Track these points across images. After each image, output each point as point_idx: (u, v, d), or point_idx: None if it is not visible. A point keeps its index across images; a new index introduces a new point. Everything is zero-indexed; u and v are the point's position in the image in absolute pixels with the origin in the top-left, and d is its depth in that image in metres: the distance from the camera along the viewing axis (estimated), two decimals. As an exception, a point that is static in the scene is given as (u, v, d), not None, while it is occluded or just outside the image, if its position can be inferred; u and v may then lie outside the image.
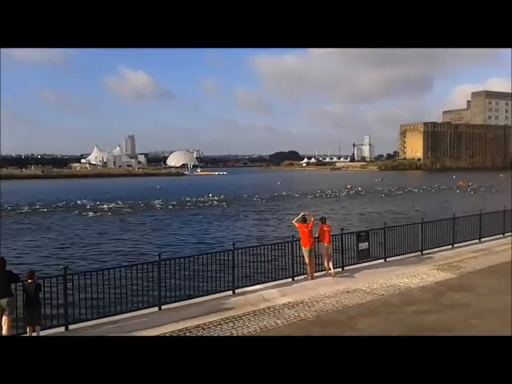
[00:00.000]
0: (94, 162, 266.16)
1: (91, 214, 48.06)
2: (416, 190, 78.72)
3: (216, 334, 9.70)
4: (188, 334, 9.69)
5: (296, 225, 14.42)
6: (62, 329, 10.00)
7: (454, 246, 18.86)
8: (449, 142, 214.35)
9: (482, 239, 20.05)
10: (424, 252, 17.63)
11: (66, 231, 36.62)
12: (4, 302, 8.90)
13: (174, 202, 59.04)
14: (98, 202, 58.85)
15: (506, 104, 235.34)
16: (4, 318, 8.87)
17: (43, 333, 9.49)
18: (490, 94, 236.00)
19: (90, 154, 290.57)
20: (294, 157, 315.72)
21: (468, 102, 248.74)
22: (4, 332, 8.86)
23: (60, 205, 57.68)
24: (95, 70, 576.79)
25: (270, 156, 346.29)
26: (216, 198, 65.16)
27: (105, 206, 54.97)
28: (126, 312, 10.89)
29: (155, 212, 50.56)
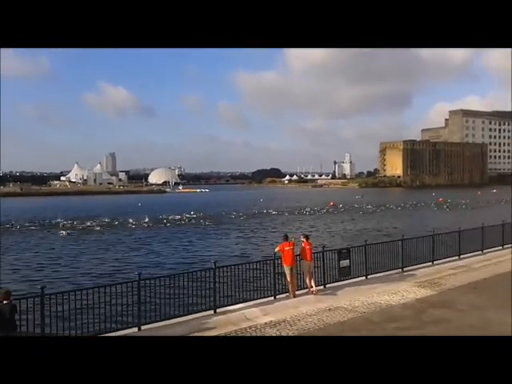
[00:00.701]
0: (74, 180, 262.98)
1: (63, 232, 46.69)
2: (394, 207, 79.32)
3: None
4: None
5: (278, 249, 14.35)
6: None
7: (434, 262, 19.06)
8: (428, 159, 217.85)
9: (462, 256, 20.30)
10: (405, 269, 17.76)
11: (39, 250, 35.68)
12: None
13: (147, 220, 58.50)
14: (74, 222, 57.70)
15: (483, 122, 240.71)
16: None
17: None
18: (466, 113, 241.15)
19: (69, 172, 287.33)
20: (275, 174, 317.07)
21: (446, 120, 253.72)
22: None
23: (35, 223, 56.31)
24: (74, 84, 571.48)
25: (252, 173, 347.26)
26: (195, 216, 64.67)
27: (87, 224, 54.16)
28: (105, 332, 10.68)
29: (133, 230, 49.89)
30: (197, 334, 10.79)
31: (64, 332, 10.23)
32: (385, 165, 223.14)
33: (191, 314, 12.14)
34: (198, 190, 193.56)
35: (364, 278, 16.39)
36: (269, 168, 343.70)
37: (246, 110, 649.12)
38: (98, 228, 50.85)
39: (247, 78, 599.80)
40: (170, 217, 63.01)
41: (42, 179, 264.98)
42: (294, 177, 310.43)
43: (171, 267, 26.45)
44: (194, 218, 62.47)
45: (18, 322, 9.41)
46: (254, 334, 10.89)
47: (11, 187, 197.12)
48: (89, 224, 54.42)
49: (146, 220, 57.06)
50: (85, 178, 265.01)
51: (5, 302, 9.19)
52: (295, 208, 78.44)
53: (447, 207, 77.00)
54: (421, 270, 17.88)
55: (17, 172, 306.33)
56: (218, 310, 12.50)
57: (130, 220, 57.69)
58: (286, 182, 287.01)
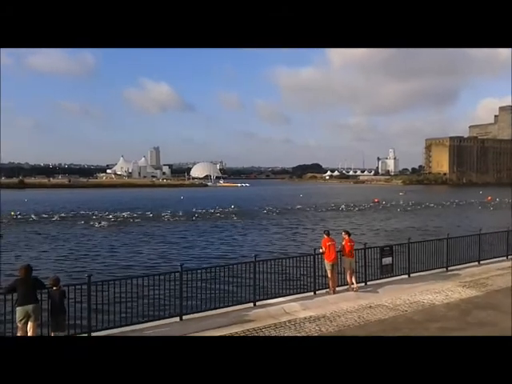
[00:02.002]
0: (119, 173, 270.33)
1: (97, 224, 47.76)
2: (435, 205, 77.11)
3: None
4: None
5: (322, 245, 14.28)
6: (85, 336, 10.12)
7: (481, 262, 18.47)
8: (475, 156, 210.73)
9: (510, 256, 19.57)
10: (449, 268, 17.30)
11: (74, 240, 36.67)
12: (30, 308, 9.07)
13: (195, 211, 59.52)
14: (121, 213, 59.34)
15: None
16: (29, 324, 9.04)
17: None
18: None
19: (115, 165, 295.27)
20: (316, 169, 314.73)
21: (495, 116, 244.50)
22: (29, 338, 9.03)
23: (71, 214, 58.47)
24: (115, 80, 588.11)
25: (292, 168, 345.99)
26: (236, 209, 65.35)
27: (123, 215, 55.63)
28: (147, 321, 10.97)
29: (178, 223, 50.82)
30: (237, 326, 10.92)
31: (109, 318, 10.59)
32: (430, 161, 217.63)
33: (231, 306, 12.27)
34: (239, 185, 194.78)
35: (407, 276, 16.09)
36: (310, 163, 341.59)
37: (285, 106, 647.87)
38: (138, 220, 52.13)
39: (285, 73, 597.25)
40: (220, 209, 64.01)
41: (89, 172, 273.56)
42: (336, 172, 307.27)
43: (213, 260, 26.84)
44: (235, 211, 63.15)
45: (66, 307, 9.82)
46: (293, 329, 10.92)
47: (60, 179, 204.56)
48: (126, 215, 56.08)
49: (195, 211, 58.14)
50: (130, 171, 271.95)
51: (54, 288, 9.60)
52: (336, 204, 77.74)
53: (491, 206, 74.21)
54: (466, 270, 17.36)
55: (65, 164, 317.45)
56: (257, 303, 12.58)
57: (180, 213, 59.32)
58: (327, 177, 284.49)
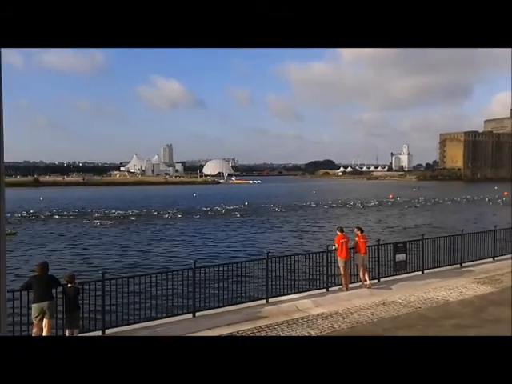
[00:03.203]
0: (132, 170, 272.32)
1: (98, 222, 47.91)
2: (444, 201, 76.37)
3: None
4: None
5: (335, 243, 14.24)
6: (99, 333, 10.24)
7: (495, 258, 18.27)
8: (490, 151, 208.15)
9: (526, 253, 19.33)
10: (463, 265, 17.15)
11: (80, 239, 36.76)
12: (45, 305, 9.20)
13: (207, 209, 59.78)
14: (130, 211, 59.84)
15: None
16: (45, 321, 9.17)
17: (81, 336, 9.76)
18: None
19: (129, 162, 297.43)
20: (329, 166, 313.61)
21: (511, 110, 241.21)
22: (44, 334, 9.16)
23: (75, 212, 59.12)
24: (126, 78, 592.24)
25: (305, 165, 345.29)
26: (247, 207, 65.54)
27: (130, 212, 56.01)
28: (160, 318, 11.06)
29: (191, 219, 51.07)
30: (249, 323, 10.95)
31: (123, 315, 10.69)
32: (444, 157, 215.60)
33: (244, 303, 12.30)
34: (251, 182, 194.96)
35: (420, 272, 15.97)
36: (322, 160, 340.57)
37: (296, 102, 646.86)
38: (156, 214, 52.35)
39: (296, 69, 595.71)
40: (233, 206, 64.30)
41: (103, 169, 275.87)
42: (349, 168, 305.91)
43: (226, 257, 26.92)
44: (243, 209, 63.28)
45: (80, 305, 9.94)
46: (305, 325, 10.92)
47: (74, 177, 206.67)
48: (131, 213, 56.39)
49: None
50: (143, 168, 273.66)
51: (69, 285, 9.73)
52: (347, 201, 77.46)
53: (501, 202, 73.25)
54: (481, 266, 17.19)
55: (80, 163, 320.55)
56: (269, 300, 12.60)
57: (204, 208, 59.69)
58: (340, 173, 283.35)
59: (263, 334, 10.36)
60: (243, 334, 10.27)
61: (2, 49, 2.96)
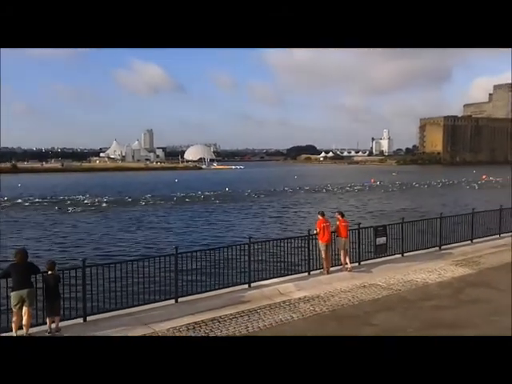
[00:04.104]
0: (112, 156, 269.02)
1: (70, 209, 46.97)
2: (420, 185, 77.35)
3: (231, 327, 9.77)
4: (203, 327, 9.79)
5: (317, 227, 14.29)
6: (81, 320, 10.16)
7: (474, 241, 18.62)
8: (469, 135, 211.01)
9: (503, 235, 19.74)
10: (442, 247, 17.44)
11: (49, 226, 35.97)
12: (25, 292, 9.07)
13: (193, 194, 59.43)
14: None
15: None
16: (24, 309, 9.05)
17: (62, 324, 9.67)
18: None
19: (108, 148, 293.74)
20: (311, 151, 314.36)
21: (490, 94, 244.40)
22: (24, 322, 9.04)
23: (47, 199, 57.66)
24: (105, 62, 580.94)
25: (287, 150, 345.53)
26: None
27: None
28: (143, 304, 11.02)
29: (178, 205, 50.75)
30: (232, 308, 10.99)
31: (104, 302, 10.62)
32: (424, 141, 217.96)
33: (226, 287, 12.33)
34: (233, 167, 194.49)
35: (400, 255, 16.20)
36: (304, 145, 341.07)
37: (279, 87, 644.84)
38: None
39: (277, 54, 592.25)
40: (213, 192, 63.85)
41: (82, 156, 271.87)
42: (330, 154, 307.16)
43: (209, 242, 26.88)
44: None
45: (61, 292, 9.83)
46: (287, 309, 11.00)
47: (53, 163, 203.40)
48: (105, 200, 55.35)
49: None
50: (123, 154, 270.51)
51: (50, 272, 9.60)
52: (320, 185, 77.92)
53: (477, 186, 74.49)
54: (459, 249, 17.50)
55: (58, 149, 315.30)
56: (252, 285, 12.65)
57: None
58: (322, 158, 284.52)
59: (245, 318, 10.40)
60: (226, 319, 10.30)
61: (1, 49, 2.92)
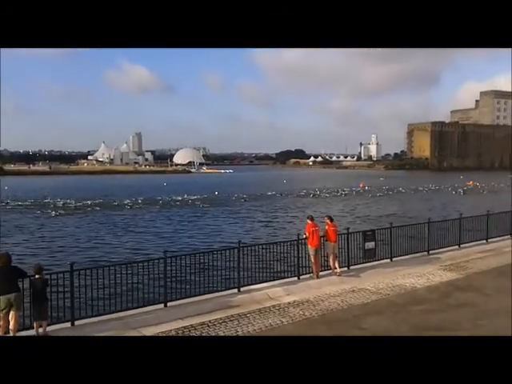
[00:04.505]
0: (101, 159, 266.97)
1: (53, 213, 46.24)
2: (407, 190, 77.89)
3: (221, 332, 9.74)
4: (192, 331, 9.74)
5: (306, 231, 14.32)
6: (69, 324, 10.05)
7: (461, 246, 18.78)
8: (456, 141, 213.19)
9: (489, 240, 19.94)
10: (430, 252, 17.57)
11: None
12: (12, 297, 8.96)
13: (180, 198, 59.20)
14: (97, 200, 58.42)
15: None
16: (11, 313, 8.93)
17: (49, 328, 9.56)
18: (498, 94, 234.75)
19: (97, 151, 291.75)
20: (300, 155, 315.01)
21: (476, 101, 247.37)
22: (11, 327, 8.93)
23: (32, 202, 56.71)
24: (93, 62, 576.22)
25: (276, 154, 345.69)
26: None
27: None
28: (132, 308, 10.94)
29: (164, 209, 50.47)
30: (221, 312, 10.96)
31: (93, 306, 10.52)
32: (412, 147, 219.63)
33: (216, 292, 12.29)
34: (223, 171, 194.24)
35: (389, 260, 16.29)
36: (293, 149, 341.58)
37: (268, 89, 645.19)
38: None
39: (266, 55, 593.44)
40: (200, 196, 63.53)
41: (70, 158, 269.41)
42: (319, 158, 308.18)
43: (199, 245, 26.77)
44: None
45: (48, 296, 9.72)
46: (277, 313, 11.00)
47: (40, 166, 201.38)
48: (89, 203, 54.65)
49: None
50: (111, 157, 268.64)
51: (37, 276, 9.49)
52: (315, 189, 78.12)
53: (463, 192, 75.22)
54: (447, 254, 17.65)
55: (46, 151, 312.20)
56: (241, 289, 12.62)
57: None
58: (311, 163, 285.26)
59: (235, 322, 10.38)
60: (215, 324, 10.27)
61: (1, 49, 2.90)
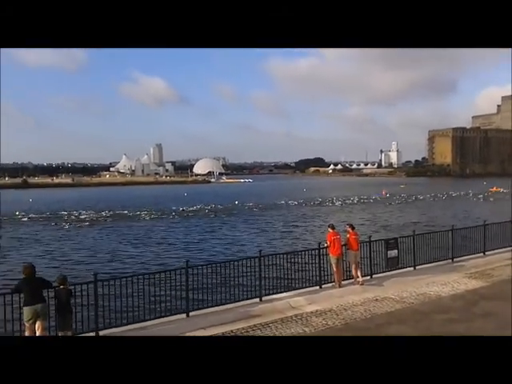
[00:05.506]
0: (122, 171, 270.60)
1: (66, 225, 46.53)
2: (426, 197, 76.78)
3: (243, 342, 9.72)
4: (216, 341, 9.75)
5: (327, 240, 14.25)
6: (93, 334, 10.15)
7: (486, 253, 18.42)
8: (479, 147, 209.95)
9: (515, 247, 19.50)
10: (455, 260, 17.27)
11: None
12: (38, 307, 9.09)
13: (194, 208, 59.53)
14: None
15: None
16: (38, 324, 9.06)
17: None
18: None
19: (118, 163, 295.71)
20: (319, 163, 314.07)
21: (498, 106, 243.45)
22: (37, 337, 9.06)
23: (44, 215, 57.26)
24: (109, 74, 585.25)
25: (295, 163, 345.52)
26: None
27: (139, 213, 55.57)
28: (154, 318, 11.00)
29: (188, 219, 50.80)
30: (243, 322, 10.94)
31: (116, 316, 10.62)
32: (433, 153, 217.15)
33: (237, 301, 12.28)
34: (242, 180, 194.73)
35: (412, 268, 16.07)
36: (312, 157, 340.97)
37: (283, 99, 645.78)
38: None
39: (279, 65, 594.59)
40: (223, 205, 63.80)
41: (92, 170, 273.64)
42: (339, 166, 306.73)
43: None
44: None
45: (73, 306, 9.84)
46: (299, 323, 10.93)
47: (63, 178, 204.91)
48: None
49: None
50: (133, 168, 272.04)
51: (61, 286, 9.63)
52: (334, 198, 77.64)
53: (483, 198, 73.82)
54: (472, 261, 17.32)
55: (68, 163, 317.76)
56: (263, 299, 12.59)
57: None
58: (330, 171, 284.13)
59: (258, 332, 10.34)
60: (238, 333, 10.25)
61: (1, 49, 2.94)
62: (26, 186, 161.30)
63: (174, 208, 62.93)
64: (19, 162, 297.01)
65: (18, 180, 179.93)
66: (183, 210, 61.28)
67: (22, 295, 9.25)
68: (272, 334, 10.18)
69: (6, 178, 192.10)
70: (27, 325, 9.08)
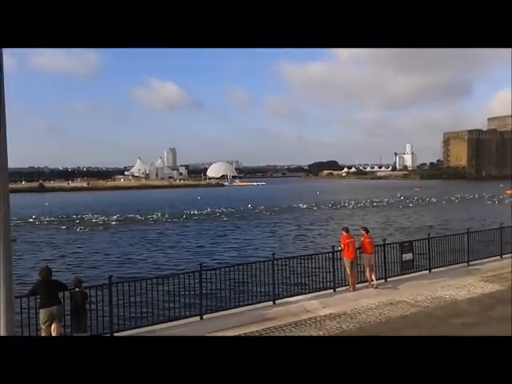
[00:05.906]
0: (137, 174, 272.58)
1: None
2: (437, 200, 76.10)
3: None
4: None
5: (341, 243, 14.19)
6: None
7: (503, 256, 18.17)
8: (494, 149, 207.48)
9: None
10: (471, 263, 17.07)
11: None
12: (54, 309, 9.20)
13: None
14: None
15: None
16: (53, 326, 9.17)
17: (89, 340, 9.76)
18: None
19: (133, 167, 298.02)
20: (333, 166, 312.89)
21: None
22: (53, 339, 9.16)
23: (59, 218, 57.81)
24: (122, 81, 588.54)
25: (309, 166, 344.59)
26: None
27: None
28: (168, 321, 11.05)
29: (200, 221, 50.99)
30: (257, 325, 10.93)
31: (130, 319, 10.69)
32: (448, 155, 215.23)
33: (251, 304, 12.28)
34: (255, 184, 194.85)
35: (427, 271, 15.91)
36: (325, 160, 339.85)
37: (296, 102, 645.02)
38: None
39: (292, 69, 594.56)
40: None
41: (107, 174, 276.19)
42: (353, 169, 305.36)
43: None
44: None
45: (88, 309, 9.94)
46: (313, 326, 10.88)
47: (79, 182, 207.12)
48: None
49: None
50: (147, 172, 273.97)
51: (77, 289, 9.73)
52: (347, 201, 77.32)
53: (498, 201, 72.81)
54: (488, 265, 17.10)
55: (84, 168, 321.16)
56: (277, 302, 12.57)
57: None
58: (344, 174, 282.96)
59: (271, 335, 10.32)
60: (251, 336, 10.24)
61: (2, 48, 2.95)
62: (42, 190, 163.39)
63: (193, 211, 63.12)
64: (35, 167, 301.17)
65: (35, 184, 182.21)
66: (194, 213, 61.59)
67: (38, 297, 9.38)
68: (286, 337, 10.16)
69: (23, 182, 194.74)
70: (43, 327, 9.19)
